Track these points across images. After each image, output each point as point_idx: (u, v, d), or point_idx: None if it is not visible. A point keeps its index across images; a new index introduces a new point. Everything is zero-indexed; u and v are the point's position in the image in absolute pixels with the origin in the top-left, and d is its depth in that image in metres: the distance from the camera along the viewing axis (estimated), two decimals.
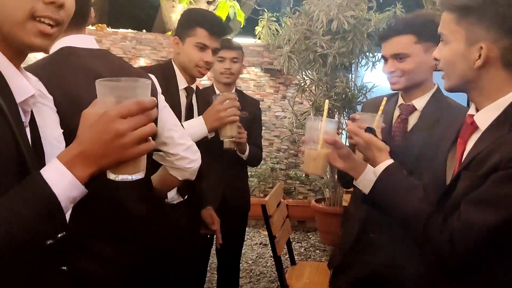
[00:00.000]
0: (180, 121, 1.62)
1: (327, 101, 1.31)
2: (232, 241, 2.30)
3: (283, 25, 4.13)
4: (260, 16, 4.58)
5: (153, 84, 1.29)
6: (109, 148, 0.66)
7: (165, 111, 1.31)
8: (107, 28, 4.91)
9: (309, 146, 1.24)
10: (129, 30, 4.90)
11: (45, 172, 0.66)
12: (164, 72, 1.70)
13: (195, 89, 1.82)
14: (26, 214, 0.63)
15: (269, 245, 2.27)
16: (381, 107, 1.36)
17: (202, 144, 1.76)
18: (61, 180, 0.66)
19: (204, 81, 5.08)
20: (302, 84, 4.01)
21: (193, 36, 1.68)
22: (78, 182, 0.67)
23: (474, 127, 1.02)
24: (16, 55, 0.74)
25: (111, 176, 0.72)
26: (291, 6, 3.94)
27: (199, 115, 1.76)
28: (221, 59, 2.21)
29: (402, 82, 1.45)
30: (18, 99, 0.72)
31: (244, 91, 2.51)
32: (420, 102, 1.47)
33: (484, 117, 0.99)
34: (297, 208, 4.40)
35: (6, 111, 0.66)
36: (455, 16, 0.97)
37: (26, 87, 0.74)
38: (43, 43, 0.72)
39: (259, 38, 4.70)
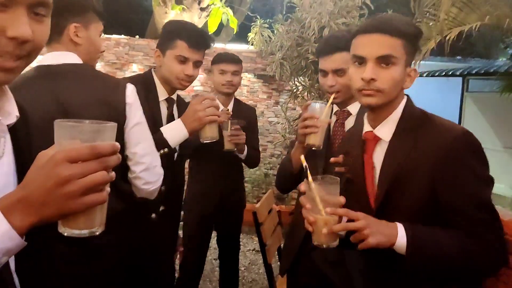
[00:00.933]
0: None
1: (302, 157, 1.09)
2: (231, 235, 2.55)
3: (275, 32, 4.15)
4: (253, 23, 4.59)
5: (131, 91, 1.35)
6: (51, 196, 0.57)
7: (136, 127, 1.32)
8: None
9: (311, 213, 1.03)
10: (122, 36, 4.91)
11: None
12: (144, 83, 1.67)
13: (176, 99, 1.78)
14: None
15: None
16: (330, 100, 1.48)
17: (198, 145, 1.78)
18: None
19: (197, 87, 5.08)
20: (295, 90, 4.02)
21: (174, 49, 1.64)
22: (15, 233, 0.57)
23: (376, 140, 1.15)
24: None
25: (60, 229, 0.62)
26: (284, 13, 3.95)
27: None
28: (222, 72, 2.30)
29: (341, 96, 1.59)
30: None
31: (237, 97, 2.55)
32: (353, 108, 1.62)
33: (385, 130, 1.15)
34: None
35: None
36: (402, 42, 1.09)
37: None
38: (4, 78, 0.65)
39: (252, 45, 4.71)
